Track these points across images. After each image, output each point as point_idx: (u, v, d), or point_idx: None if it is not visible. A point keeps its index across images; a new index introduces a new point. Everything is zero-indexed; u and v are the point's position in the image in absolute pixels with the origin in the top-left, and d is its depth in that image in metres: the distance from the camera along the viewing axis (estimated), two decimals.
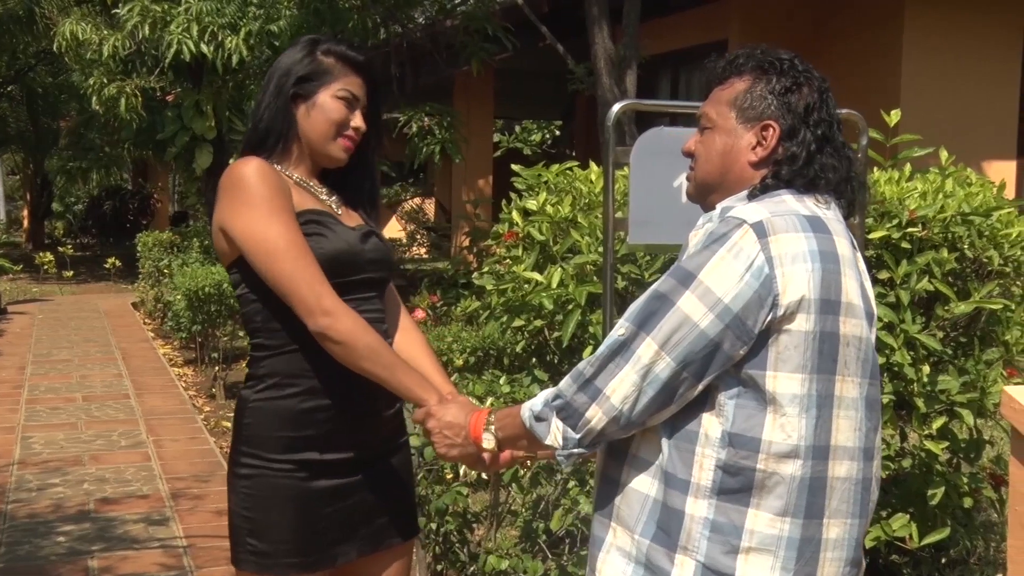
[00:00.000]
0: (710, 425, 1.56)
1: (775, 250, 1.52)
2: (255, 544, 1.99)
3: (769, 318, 1.52)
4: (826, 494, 1.57)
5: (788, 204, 1.60)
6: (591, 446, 1.63)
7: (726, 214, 1.59)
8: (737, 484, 1.54)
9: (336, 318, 1.88)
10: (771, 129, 1.64)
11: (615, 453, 1.68)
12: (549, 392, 1.66)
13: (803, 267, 1.53)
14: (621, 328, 1.58)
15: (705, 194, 1.72)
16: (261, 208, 1.91)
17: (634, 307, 1.59)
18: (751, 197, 1.63)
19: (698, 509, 1.56)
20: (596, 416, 1.58)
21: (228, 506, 2.05)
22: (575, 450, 1.63)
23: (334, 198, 2.11)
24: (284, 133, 2.03)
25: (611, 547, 1.67)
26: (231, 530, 2.04)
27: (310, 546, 2.00)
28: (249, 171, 1.93)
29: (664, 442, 1.59)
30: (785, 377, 1.53)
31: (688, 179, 1.78)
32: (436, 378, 2.15)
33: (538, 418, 1.65)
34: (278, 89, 2.03)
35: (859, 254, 1.68)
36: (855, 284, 1.60)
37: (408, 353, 2.13)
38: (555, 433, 1.62)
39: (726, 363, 1.53)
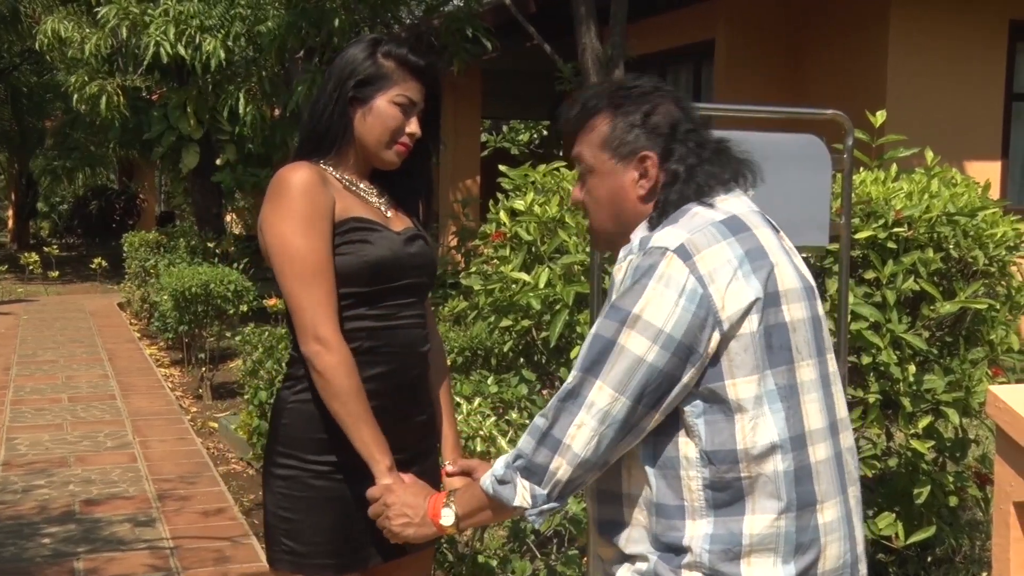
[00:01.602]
0: (687, 447, 1.57)
1: (703, 268, 1.53)
2: (290, 544, 1.99)
3: (716, 336, 1.53)
4: (813, 480, 1.59)
5: (702, 215, 1.60)
6: (561, 498, 1.61)
7: (646, 244, 1.58)
8: (728, 496, 1.56)
9: (326, 348, 1.88)
10: (648, 159, 1.65)
11: (606, 497, 1.68)
12: (508, 455, 1.64)
13: (737, 275, 1.54)
14: (570, 376, 1.59)
15: (608, 244, 1.73)
16: (295, 221, 1.89)
17: (580, 354, 1.60)
18: (653, 226, 1.62)
19: (698, 529, 1.57)
20: (560, 467, 1.57)
21: (263, 506, 2.06)
22: (545, 506, 1.61)
23: (384, 199, 2.08)
24: (340, 136, 2.00)
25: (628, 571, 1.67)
26: (266, 530, 2.05)
27: (344, 547, 2.01)
28: (296, 181, 1.91)
29: (650, 474, 1.59)
30: (743, 382, 1.54)
31: (588, 232, 1.77)
32: (445, 420, 2.19)
33: (501, 481, 1.63)
34: (337, 92, 1.99)
35: (781, 232, 1.69)
36: (788, 267, 1.62)
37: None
38: (522, 493, 1.60)
39: (683, 389, 1.54)
